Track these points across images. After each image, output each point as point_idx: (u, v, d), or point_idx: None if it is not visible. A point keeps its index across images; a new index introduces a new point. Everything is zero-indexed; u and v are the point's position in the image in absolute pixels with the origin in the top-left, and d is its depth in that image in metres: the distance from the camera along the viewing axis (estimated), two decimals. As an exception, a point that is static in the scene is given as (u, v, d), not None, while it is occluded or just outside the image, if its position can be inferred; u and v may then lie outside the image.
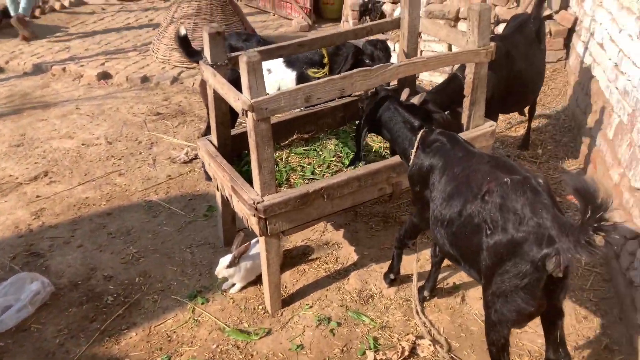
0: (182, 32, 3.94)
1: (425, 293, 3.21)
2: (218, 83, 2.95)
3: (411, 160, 2.77)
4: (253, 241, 3.39)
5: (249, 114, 2.64)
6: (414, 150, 2.75)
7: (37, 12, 8.67)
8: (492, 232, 2.18)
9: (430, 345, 2.89)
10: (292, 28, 8.03)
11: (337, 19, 8.29)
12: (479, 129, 3.35)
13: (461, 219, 2.34)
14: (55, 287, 3.39)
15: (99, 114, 5.63)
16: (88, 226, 3.97)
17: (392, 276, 3.29)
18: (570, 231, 1.93)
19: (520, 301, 2.16)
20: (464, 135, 3.24)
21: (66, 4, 9.16)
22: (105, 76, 6.51)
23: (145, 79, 6.41)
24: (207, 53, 3.09)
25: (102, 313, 3.23)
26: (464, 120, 3.36)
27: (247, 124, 2.72)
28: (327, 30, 8.05)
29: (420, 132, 2.78)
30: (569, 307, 3.17)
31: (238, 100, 2.68)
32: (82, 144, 5.07)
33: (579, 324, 3.07)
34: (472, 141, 3.24)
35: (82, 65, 6.71)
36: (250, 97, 2.61)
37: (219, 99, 3.16)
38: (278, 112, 2.69)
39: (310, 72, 3.95)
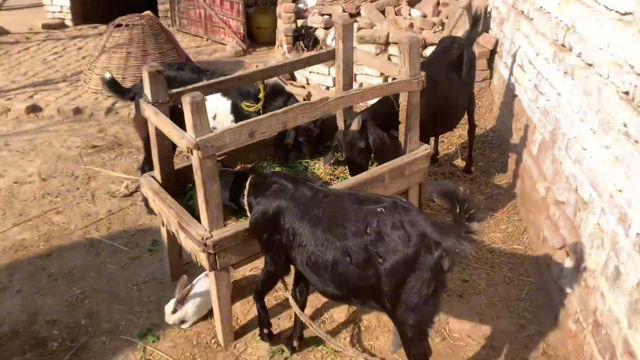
0: (107, 77, 4.05)
1: (295, 343, 3.06)
2: (160, 122, 2.97)
3: (251, 208, 2.83)
4: (201, 276, 3.40)
5: (195, 152, 2.67)
6: (245, 195, 2.84)
7: (-44, 43, 8.30)
8: (386, 258, 2.33)
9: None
10: (226, 53, 8.08)
11: (270, 42, 8.42)
12: (415, 153, 3.52)
13: (348, 258, 2.42)
14: (-5, 336, 3.24)
15: (31, 149, 5.45)
16: (27, 269, 3.84)
17: (265, 331, 3.09)
18: (450, 230, 2.23)
19: (432, 306, 2.37)
20: (400, 160, 3.40)
21: (-13, 33, 8.83)
22: (34, 109, 6.31)
23: (78, 111, 6.27)
24: (147, 91, 3.10)
25: (47, 360, 3.14)
26: (402, 143, 3.52)
27: (193, 161, 2.75)
28: (262, 55, 8.15)
29: (250, 179, 2.86)
30: (508, 316, 3.36)
31: (183, 139, 2.71)
32: (15, 182, 4.90)
33: (518, 332, 3.26)
34: (410, 165, 3.40)
35: (9, 99, 6.47)
36: (195, 136, 2.65)
37: (161, 136, 3.18)
38: (223, 149, 2.74)
39: (244, 105, 4.01)
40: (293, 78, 6.88)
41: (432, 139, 5.04)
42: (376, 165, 3.54)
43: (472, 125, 4.80)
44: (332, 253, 2.46)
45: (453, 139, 5.46)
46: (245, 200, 2.85)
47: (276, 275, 2.90)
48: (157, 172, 3.36)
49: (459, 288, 3.60)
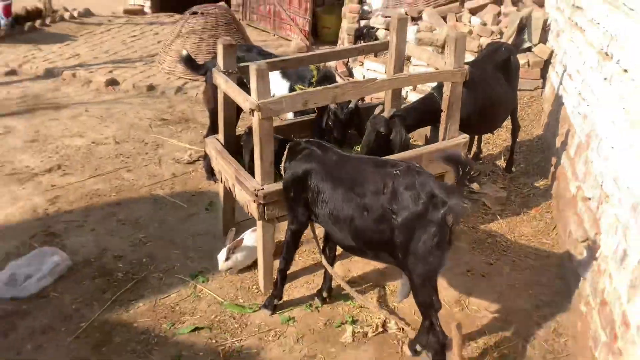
0: (184, 53, 4.51)
1: (324, 294, 3.41)
2: (229, 88, 3.40)
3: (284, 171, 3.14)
4: (248, 231, 3.81)
5: (256, 113, 3.08)
6: (283, 161, 3.14)
7: (48, 20, 9.14)
8: (399, 214, 2.67)
9: (396, 323, 3.30)
10: (290, 48, 8.54)
11: (333, 42, 8.82)
12: (454, 140, 3.83)
13: (366, 214, 2.75)
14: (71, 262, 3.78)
15: (108, 116, 6.05)
16: (100, 213, 4.37)
17: (275, 302, 3.33)
18: (455, 190, 2.58)
19: (437, 257, 2.67)
20: (440, 144, 3.71)
21: (75, 14, 9.63)
22: (113, 83, 6.94)
23: (151, 88, 6.85)
24: (220, 61, 3.55)
25: (113, 286, 3.62)
26: (441, 132, 3.83)
27: (253, 122, 3.16)
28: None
29: (288, 146, 3.17)
30: (525, 297, 3.61)
31: (247, 101, 3.14)
32: (92, 143, 5.48)
33: (533, 311, 3.51)
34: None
35: (91, 72, 7.14)
36: (257, 99, 3.06)
37: (228, 102, 3.60)
38: (280, 112, 3.16)
39: (298, 87, 4.36)
40: (351, 74, 7.26)
41: (476, 138, 5.29)
42: None
43: (515, 127, 5.04)
44: (351, 209, 2.82)
45: (498, 142, 5.70)
46: (282, 166, 3.19)
47: (298, 232, 3.22)
48: (220, 135, 3.81)
49: (483, 269, 3.86)
